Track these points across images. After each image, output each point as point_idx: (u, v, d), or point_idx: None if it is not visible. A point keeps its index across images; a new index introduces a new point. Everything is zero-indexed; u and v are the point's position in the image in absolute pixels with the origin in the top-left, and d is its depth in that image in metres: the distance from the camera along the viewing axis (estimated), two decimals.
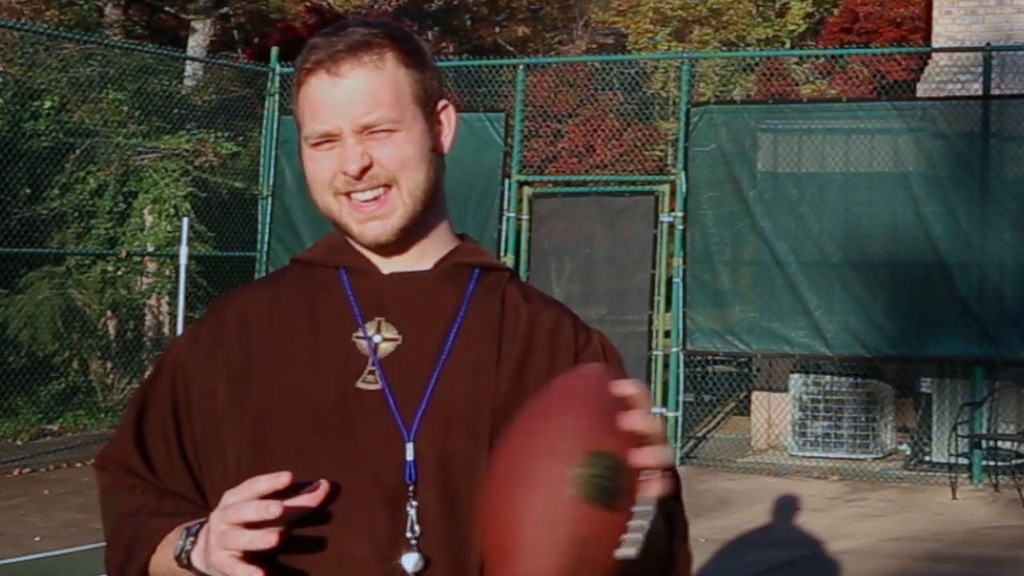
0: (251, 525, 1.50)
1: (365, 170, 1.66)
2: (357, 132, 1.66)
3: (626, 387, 1.50)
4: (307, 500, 1.55)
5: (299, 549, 1.59)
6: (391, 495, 1.62)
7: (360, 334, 1.69)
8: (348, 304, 1.71)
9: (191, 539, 1.58)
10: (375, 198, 1.67)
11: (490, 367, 1.69)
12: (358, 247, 1.73)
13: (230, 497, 1.53)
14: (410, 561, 1.60)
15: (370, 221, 1.68)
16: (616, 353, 1.80)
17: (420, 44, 1.74)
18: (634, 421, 1.47)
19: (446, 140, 1.74)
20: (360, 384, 1.66)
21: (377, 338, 1.69)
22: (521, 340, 1.72)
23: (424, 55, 1.73)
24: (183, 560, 1.58)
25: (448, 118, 1.75)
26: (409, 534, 1.61)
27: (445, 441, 1.64)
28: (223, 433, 1.69)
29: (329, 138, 1.67)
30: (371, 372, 1.67)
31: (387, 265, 1.73)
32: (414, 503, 1.61)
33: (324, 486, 1.57)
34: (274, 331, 1.71)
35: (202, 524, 1.58)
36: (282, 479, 1.51)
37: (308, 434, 1.64)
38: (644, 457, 1.47)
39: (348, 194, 1.68)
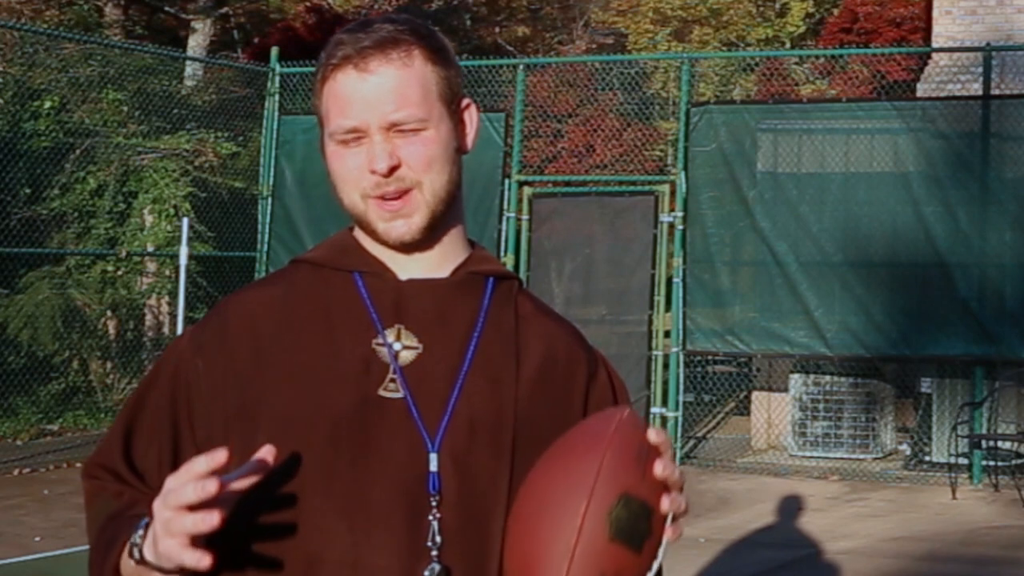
0: (195, 508, 1.44)
1: (394, 169, 1.64)
2: (385, 129, 1.63)
3: (655, 435, 1.58)
4: (251, 471, 1.50)
5: (319, 558, 1.59)
6: (413, 505, 1.60)
7: (380, 341, 1.66)
8: (365, 309, 1.68)
9: (140, 532, 1.52)
10: (399, 196, 1.65)
11: (510, 378, 1.68)
12: (373, 250, 1.71)
13: (170, 482, 1.47)
14: (432, 572, 1.59)
15: (395, 220, 1.65)
16: (619, 378, 1.82)
17: (445, 42, 1.72)
18: (663, 468, 1.56)
19: (468, 139, 1.73)
20: (382, 392, 1.63)
21: (397, 345, 1.66)
22: (538, 352, 1.72)
23: (449, 53, 1.71)
24: (135, 555, 1.52)
25: (471, 117, 1.73)
26: (430, 544, 1.59)
27: (468, 452, 1.63)
28: (231, 440, 1.62)
29: (356, 134, 1.64)
30: (392, 380, 1.64)
31: (405, 268, 1.70)
32: (436, 514, 1.60)
33: (268, 451, 1.51)
34: (285, 335, 1.67)
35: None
36: (218, 457, 1.44)
37: (328, 442, 1.61)
38: (670, 504, 1.56)
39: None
